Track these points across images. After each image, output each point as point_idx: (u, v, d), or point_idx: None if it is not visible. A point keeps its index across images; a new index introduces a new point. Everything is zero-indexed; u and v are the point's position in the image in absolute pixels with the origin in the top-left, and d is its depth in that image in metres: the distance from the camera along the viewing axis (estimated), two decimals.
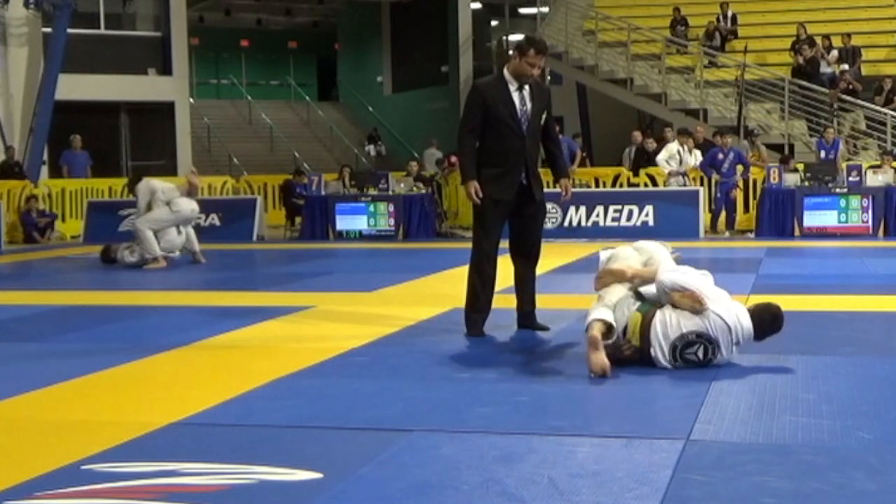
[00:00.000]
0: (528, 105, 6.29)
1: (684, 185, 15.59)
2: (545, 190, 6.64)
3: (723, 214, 15.45)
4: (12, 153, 18.86)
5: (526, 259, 6.55)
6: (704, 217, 15.09)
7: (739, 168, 15.39)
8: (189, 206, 12.04)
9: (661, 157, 15.89)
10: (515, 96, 6.27)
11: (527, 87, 6.29)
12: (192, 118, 24.61)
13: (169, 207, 11.86)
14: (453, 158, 19.30)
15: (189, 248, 12.20)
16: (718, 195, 15.30)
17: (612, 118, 23.14)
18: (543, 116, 6.41)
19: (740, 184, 15.53)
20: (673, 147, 15.92)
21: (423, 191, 16.26)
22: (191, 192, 12.21)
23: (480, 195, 6.34)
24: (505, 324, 6.81)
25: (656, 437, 4.00)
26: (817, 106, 18.45)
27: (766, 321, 5.36)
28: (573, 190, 7.18)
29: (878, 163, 15.54)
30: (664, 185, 15.88)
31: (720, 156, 15.33)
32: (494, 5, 29.69)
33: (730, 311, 5.31)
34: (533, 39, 6.33)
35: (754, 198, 15.61)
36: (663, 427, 4.19)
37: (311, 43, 35.83)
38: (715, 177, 15.32)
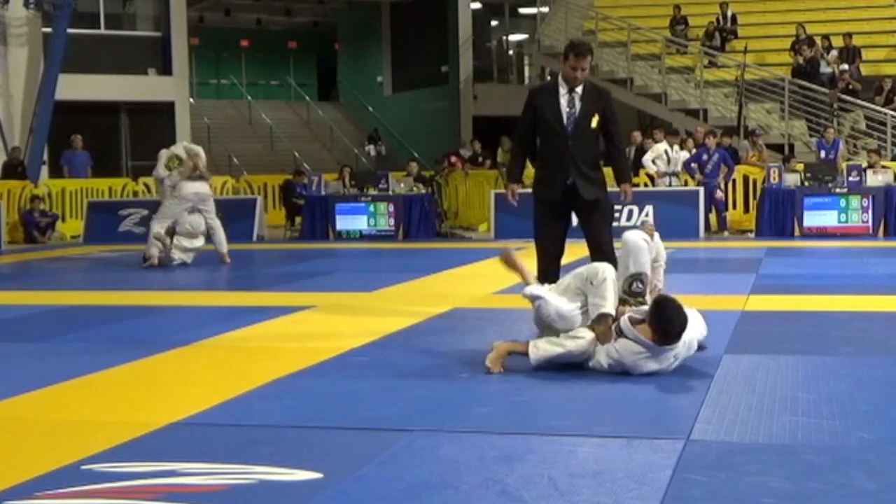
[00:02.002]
0: (577, 106, 6.36)
1: (669, 184, 15.58)
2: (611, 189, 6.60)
3: (714, 215, 15.41)
4: (18, 153, 18.87)
5: (598, 260, 6.32)
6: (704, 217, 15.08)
7: (724, 169, 15.36)
8: (191, 189, 11.76)
9: (647, 158, 15.87)
10: (563, 99, 6.38)
11: (579, 90, 6.38)
12: (192, 118, 24.61)
13: (172, 193, 11.80)
14: (453, 158, 19.34)
15: (217, 249, 12.04)
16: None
17: None
18: (595, 119, 6.40)
19: (722, 185, 15.48)
20: (660, 147, 15.89)
21: (423, 191, 16.27)
22: (191, 175, 11.82)
23: (516, 198, 6.52)
24: (504, 323, 6.81)
25: (656, 437, 4.00)
26: (817, 106, 18.46)
27: (672, 334, 5.01)
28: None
29: (869, 161, 15.51)
30: (654, 186, 15.84)
31: (705, 156, 15.32)
32: (494, 5, 29.70)
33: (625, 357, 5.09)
34: (574, 44, 6.46)
35: (754, 198, 15.61)
36: (663, 427, 4.19)
37: (311, 43, 35.82)
38: (698, 176, 15.29)
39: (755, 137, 17.26)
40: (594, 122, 6.40)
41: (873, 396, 4.66)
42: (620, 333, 5.11)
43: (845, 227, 14.31)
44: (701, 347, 5.32)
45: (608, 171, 6.74)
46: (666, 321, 4.98)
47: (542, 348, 5.26)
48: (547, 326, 5.50)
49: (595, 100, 6.45)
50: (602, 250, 6.29)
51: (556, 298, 5.37)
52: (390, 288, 9.25)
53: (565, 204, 6.46)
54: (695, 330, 5.20)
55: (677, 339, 5.03)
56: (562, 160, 6.38)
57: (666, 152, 15.73)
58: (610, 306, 5.21)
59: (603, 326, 5.19)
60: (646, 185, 16.49)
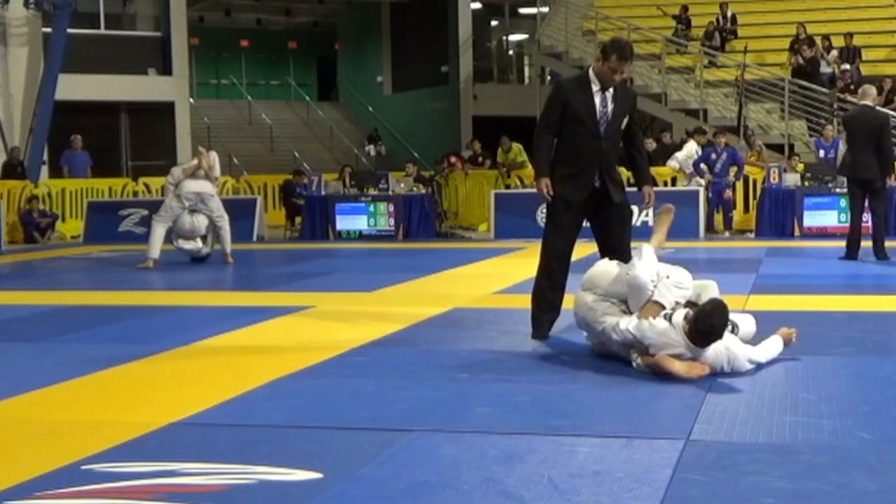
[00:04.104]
0: (610, 107, 6.11)
1: (700, 184, 15.56)
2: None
3: (720, 215, 15.43)
4: (17, 153, 18.87)
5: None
6: (705, 217, 15.07)
7: (733, 169, 15.38)
8: (191, 187, 11.67)
9: (681, 156, 15.92)
10: (597, 97, 6.09)
11: (611, 88, 6.11)
12: (192, 118, 24.61)
13: (174, 192, 11.79)
14: (453, 159, 19.33)
15: (221, 248, 12.00)
16: (711, 195, 15.28)
17: None
18: (625, 120, 6.21)
19: (736, 184, 15.51)
20: (691, 147, 15.94)
21: (424, 191, 16.27)
22: (195, 173, 11.75)
23: (551, 193, 6.15)
24: (504, 323, 6.82)
25: (656, 437, 4.00)
26: (817, 106, 18.45)
27: (702, 334, 5.03)
28: None
29: None
30: (686, 185, 15.75)
31: (713, 155, 15.33)
32: (494, 5, 29.71)
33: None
34: (618, 44, 6.11)
35: (754, 198, 15.61)
36: (663, 427, 4.19)
37: (311, 43, 35.84)
38: (707, 176, 15.31)
39: (752, 138, 17.27)
40: (623, 124, 6.21)
41: (873, 396, 4.66)
42: (668, 319, 5.14)
43: (845, 227, 14.26)
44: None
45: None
46: (703, 315, 5.00)
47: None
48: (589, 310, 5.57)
49: (625, 100, 6.20)
50: (623, 255, 6.09)
51: (647, 278, 5.39)
52: (390, 288, 9.24)
53: (587, 205, 6.23)
54: (724, 350, 5.09)
55: (704, 339, 5.02)
56: (591, 160, 6.12)
57: (697, 152, 15.79)
58: (668, 302, 5.29)
59: (650, 309, 5.26)
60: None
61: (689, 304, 5.39)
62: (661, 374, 5.04)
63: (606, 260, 5.89)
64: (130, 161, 23.56)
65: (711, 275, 8.38)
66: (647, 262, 5.49)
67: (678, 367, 5.01)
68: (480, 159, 19.09)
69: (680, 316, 5.14)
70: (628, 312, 5.45)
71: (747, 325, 5.75)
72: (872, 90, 10.88)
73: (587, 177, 6.15)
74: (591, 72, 6.18)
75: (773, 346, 5.44)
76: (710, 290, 5.76)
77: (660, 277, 5.42)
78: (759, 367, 5.28)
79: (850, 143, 10.75)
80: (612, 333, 5.38)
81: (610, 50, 6.02)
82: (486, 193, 16.67)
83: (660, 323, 5.17)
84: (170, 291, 9.77)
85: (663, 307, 5.29)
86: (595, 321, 5.54)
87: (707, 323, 4.99)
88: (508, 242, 14.16)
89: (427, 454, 3.86)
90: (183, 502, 3.37)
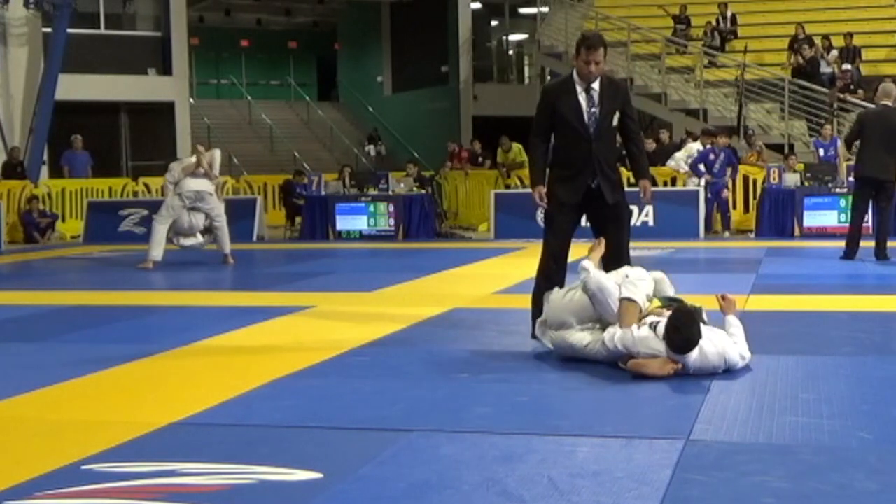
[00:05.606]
0: (597, 105, 6.11)
1: (699, 184, 15.53)
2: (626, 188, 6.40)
3: (718, 215, 15.42)
4: (17, 153, 18.88)
5: (614, 266, 6.03)
6: (705, 217, 15.06)
7: (730, 169, 15.39)
8: (191, 185, 11.63)
9: (680, 155, 15.91)
10: (582, 97, 6.10)
11: (597, 86, 6.12)
12: (192, 118, 24.62)
13: (174, 190, 11.77)
14: (464, 154, 19.34)
15: (220, 249, 12.00)
16: (709, 195, 15.26)
17: None
18: (616, 116, 6.19)
19: (729, 184, 15.51)
20: (693, 147, 15.93)
21: (423, 191, 16.27)
22: (195, 171, 11.71)
23: (545, 201, 6.18)
24: (504, 323, 6.81)
25: (656, 437, 4.00)
26: (817, 106, 18.45)
27: (678, 348, 5.03)
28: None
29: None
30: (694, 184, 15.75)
31: (712, 156, 15.33)
32: (494, 5, 29.71)
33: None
34: (585, 36, 6.20)
35: (754, 198, 15.61)
36: (663, 427, 4.19)
37: (311, 43, 35.86)
38: (706, 177, 15.30)
39: (752, 138, 17.26)
40: (615, 121, 6.19)
41: (873, 396, 4.66)
42: (653, 327, 5.14)
43: (845, 227, 14.26)
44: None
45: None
46: (673, 329, 5.01)
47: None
48: (560, 322, 5.60)
49: (614, 96, 6.20)
50: (620, 255, 6.09)
51: (602, 275, 5.54)
52: (390, 288, 9.25)
53: (584, 205, 6.23)
54: (715, 352, 5.08)
55: (681, 351, 5.01)
56: (585, 162, 6.11)
57: (698, 152, 15.79)
58: (639, 296, 5.29)
59: (628, 312, 5.24)
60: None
61: (672, 300, 5.44)
62: (640, 376, 5.07)
63: (556, 291, 5.85)
64: (130, 161, 23.56)
65: (711, 275, 8.39)
66: (596, 272, 5.60)
67: (652, 368, 5.05)
68: (480, 159, 19.10)
69: (662, 327, 5.11)
70: (605, 328, 5.42)
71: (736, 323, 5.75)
72: (893, 89, 10.72)
73: (582, 178, 6.15)
74: (574, 73, 6.21)
75: (740, 329, 5.43)
76: (663, 283, 5.75)
77: (619, 280, 5.45)
78: (759, 367, 5.28)
79: (866, 142, 10.58)
80: (601, 350, 5.35)
81: (579, 44, 6.14)
82: (486, 193, 16.68)
83: (642, 332, 5.16)
84: (170, 291, 9.77)
85: (638, 305, 5.27)
86: (581, 350, 5.49)
87: (680, 337, 4.99)
88: (508, 242, 14.16)
89: (427, 454, 3.86)
90: (183, 502, 3.37)
